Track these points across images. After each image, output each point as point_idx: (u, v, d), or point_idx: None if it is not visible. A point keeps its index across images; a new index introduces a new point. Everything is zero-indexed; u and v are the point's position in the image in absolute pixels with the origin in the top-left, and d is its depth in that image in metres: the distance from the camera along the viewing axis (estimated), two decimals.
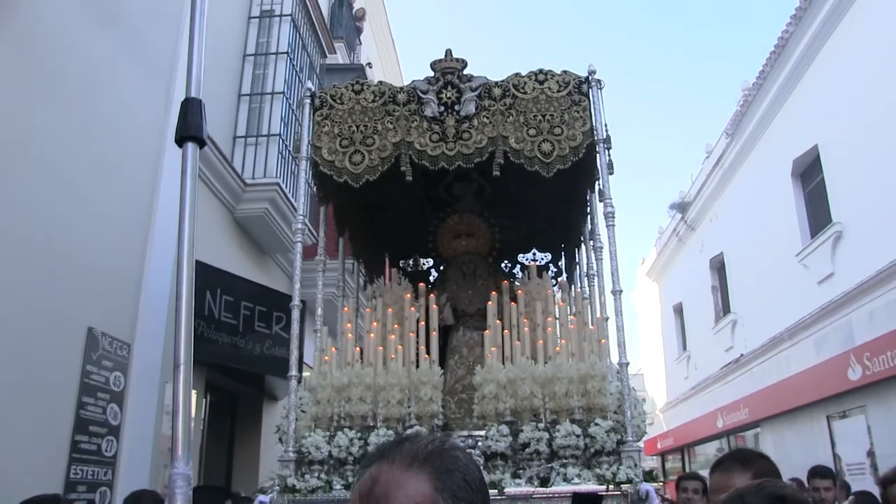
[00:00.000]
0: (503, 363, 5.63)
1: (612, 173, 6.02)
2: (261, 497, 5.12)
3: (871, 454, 10.60)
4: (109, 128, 6.38)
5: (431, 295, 6.79)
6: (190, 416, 3.09)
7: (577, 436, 5.13)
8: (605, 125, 6.08)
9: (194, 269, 1.89)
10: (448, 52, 6.44)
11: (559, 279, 7.94)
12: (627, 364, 5.51)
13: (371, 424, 5.48)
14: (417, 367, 5.69)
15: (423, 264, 8.41)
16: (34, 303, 5.22)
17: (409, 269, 8.15)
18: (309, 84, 6.66)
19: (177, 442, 1.67)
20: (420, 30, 73.12)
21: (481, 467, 4.97)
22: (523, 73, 6.26)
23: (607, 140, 6.04)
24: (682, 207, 19.85)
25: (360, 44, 15.52)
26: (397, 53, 21.12)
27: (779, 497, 1.65)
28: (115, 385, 6.16)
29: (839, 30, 11.63)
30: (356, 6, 15.06)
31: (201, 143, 2.28)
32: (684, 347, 21.24)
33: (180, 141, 2.22)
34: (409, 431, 5.34)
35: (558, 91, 6.15)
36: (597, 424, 5.17)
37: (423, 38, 76.30)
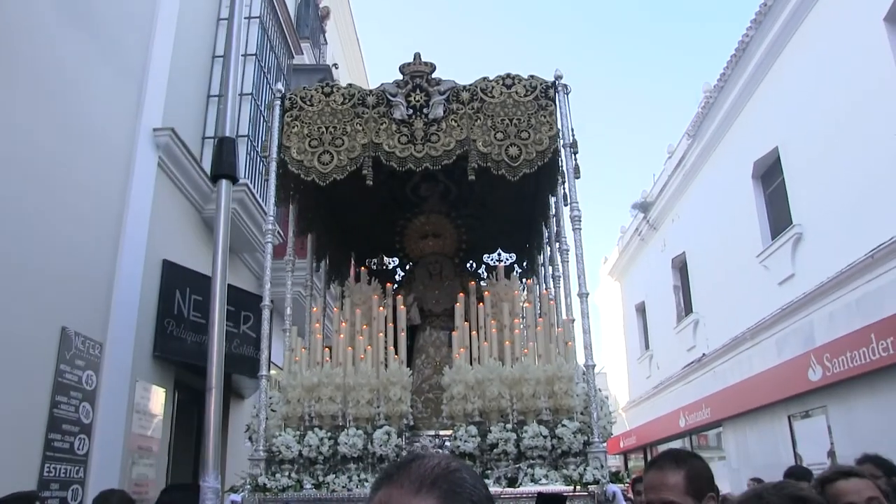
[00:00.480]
0: (471, 364, 5.69)
1: (578, 177, 6.09)
2: (232, 496, 5.14)
3: (831, 454, 10.79)
4: (81, 128, 6.34)
5: (399, 295, 6.87)
6: (219, 434, 3.14)
7: (545, 437, 5.20)
8: (572, 130, 6.15)
9: (226, 297, 1.98)
10: (417, 56, 6.49)
11: (525, 280, 8.03)
12: (594, 366, 5.60)
13: (341, 424, 5.51)
14: (386, 367, 5.73)
15: (389, 263, 8.46)
16: (8, 302, 5.20)
17: (375, 268, 8.20)
18: (278, 85, 6.67)
19: (207, 458, 1.75)
20: (385, 27, 72.97)
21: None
22: (491, 78, 6.31)
23: (573, 145, 6.12)
24: (644, 207, 20.08)
25: (326, 43, 15.52)
26: (362, 53, 21.16)
27: (799, 498, 1.72)
28: (88, 384, 6.17)
29: (798, 34, 11.86)
30: (321, 5, 15.05)
31: (234, 180, 2.46)
32: (647, 346, 21.50)
33: (214, 178, 2.45)
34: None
35: (525, 95, 6.22)
36: (564, 426, 5.24)
37: (389, 36, 76.14)
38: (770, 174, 13.35)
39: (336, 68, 15.16)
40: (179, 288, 7.65)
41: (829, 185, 10.93)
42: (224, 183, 2.36)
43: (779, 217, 12.88)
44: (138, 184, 7.07)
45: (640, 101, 70.96)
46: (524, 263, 8.48)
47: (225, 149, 2.49)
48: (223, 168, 2.46)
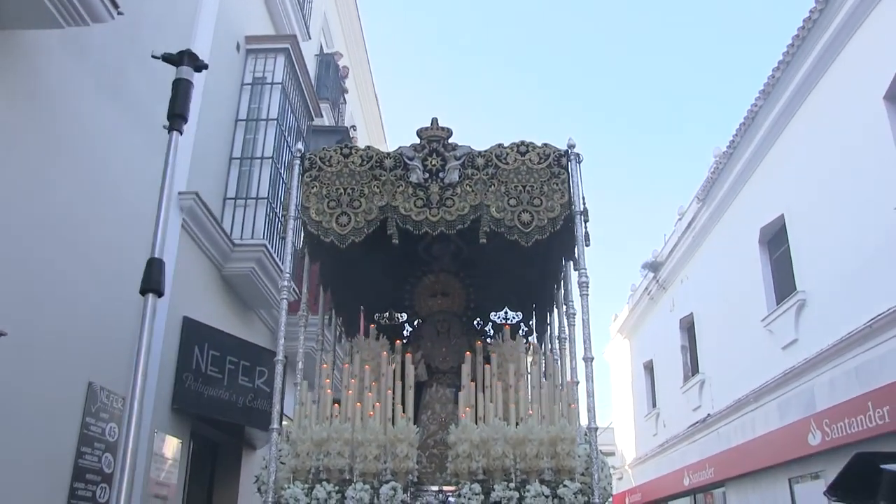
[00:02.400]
0: (476, 423, 5.82)
1: (588, 245, 6.25)
2: None
3: None
4: (110, 192, 6.68)
5: (408, 354, 6.95)
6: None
7: (546, 496, 5.33)
8: (583, 198, 6.31)
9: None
10: (434, 121, 6.70)
11: (530, 340, 8.16)
12: (596, 429, 5.73)
13: (348, 478, 5.63)
14: (394, 423, 5.87)
15: (398, 318, 8.61)
16: (40, 359, 5.47)
17: (385, 324, 8.31)
18: (298, 145, 6.86)
19: None
20: (403, 86, 74.26)
21: None
22: (506, 144, 6.51)
23: (585, 212, 6.27)
24: (654, 267, 20.27)
25: (345, 103, 15.96)
26: (380, 110, 21.69)
27: None
28: (110, 435, 6.43)
29: (804, 107, 12.21)
30: (341, 64, 15.50)
31: (160, 294, 3.00)
32: (654, 404, 21.48)
33: (143, 291, 2.97)
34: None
35: (538, 163, 6.42)
36: (565, 486, 5.37)
37: (406, 90, 77.39)
38: (776, 240, 13.57)
39: (354, 130, 15.60)
40: (198, 344, 7.93)
41: (832, 253, 11.13)
42: (151, 296, 2.95)
43: (784, 282, 13.06)
44: (164, 246, 7.34)
45: (653, 161, 71.63)
46: (530, 322, 8.57)
47: (154, 269, 3.02)
48: (151, 284, 2.97)
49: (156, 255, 3.43)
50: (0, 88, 5.19)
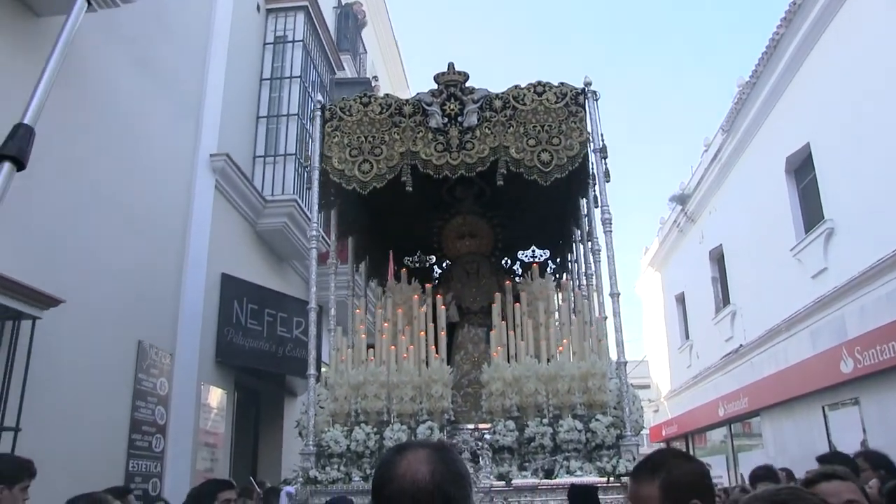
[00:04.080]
0: (508, 361, 5.96)
1: (608, 181, 6.30)
2: (287, 488, 5.50)
3: (864, 445, 10.87)
4: (147, 159, 6.94)
5: (439, 295, 7.09)
6: None
7: (579, 431, 5.48)
8: (601, 135, 6.36)
9: None
10: (451, 66, 6.72)
11: (559, 278, 8.23)
12: (625, 363, 5.85)
13: (385, 419, 5.83)
14: (427, 364, 6.02)
15: (427, 261, 8.73)
16: (92, 322, 5.80)
17: (414, 267, 8.48)
18: (318, 97, 6.95)
19: None
20: (423, 34, 73.26)
21: (490, 459, 5.37)
22: (522, 85, 6.54)
23: (603, 150, 6.32)
24: (681, 199, 20.12)
25: (365, 51, 15.90)
26: (401, 55, 21.54)
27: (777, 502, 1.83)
28: (161, 389, 6.82)
29: (828, 32, 11.88)
30: (361, 15, 15.38)
31: (20, 166, 2.08)
32: (687, 336, 21.52)
33: None
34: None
35: (556, 102, 6.44)
36: (597, 420, 5.52)
37: (426, 42, 76.28)
38: (803, 169, 13.38)
39: (376, 80, 15.57)
40: (237, 298, 8.27)
41: (860, 181, 10.97)
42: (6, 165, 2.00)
43: (811, 212, 12.92)
44: (199, 206, 7.72)
45: (679, 93, 70.39)
46: (557, 260, 8.66)
47: (20, 133, 1.91)
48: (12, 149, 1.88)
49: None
50: (38, 69, 5.29)
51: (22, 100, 5.09)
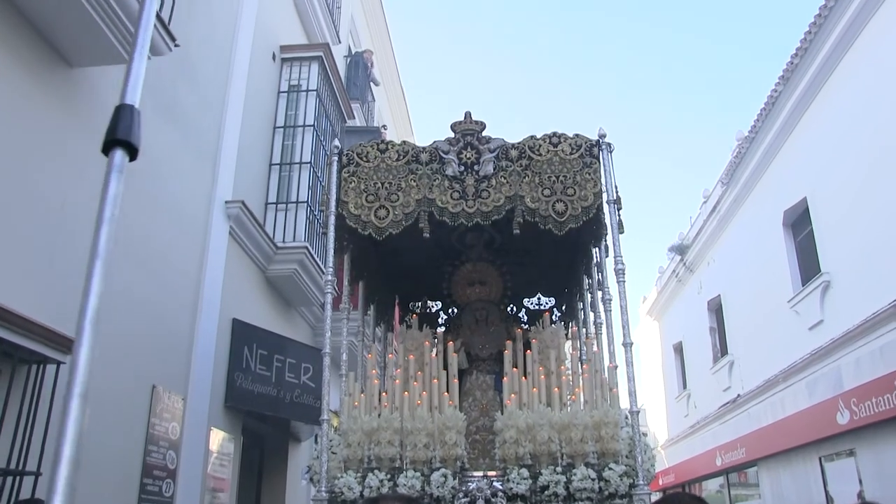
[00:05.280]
0: (520, 409, 6.00)
1: (622, 232, 6.40)
2: None
3: (860, 496, 10.93)
4: (165, 206, 7.05)
5: (450, 342, 7.11)
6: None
7: (593, 479, 5.51)
8: (616, 186, 6.46)
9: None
10: (468, 115, 6.85)
11: (570, 327, 8.28)
12: (638, 412, 5.90)
13: (398, 466, 5.84)
14: (440, 411, 6.05)
15: (432, 307, 8.79)
16: (110, 365, 5.81)
17: (419, 312, 8.51)
18: (335, 142, 7.03)
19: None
20: (428, 83, 74.27)
21: None
22: (538, 136, 6.65)
23: (617, 201, 6.43)
24: (680, 250, 20.34)
25: (374, 99, 16.18)
26: (408, 109, 22.01)
27: None
28: (173, 434, 6.81)
29: (824, 90, 12.25)
30: (370, 60, 15.70)
31: (133, 152, 1.85)
32: (684, 386, 21.59)
33: (108, 146, 1.84)
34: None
35: (571, 153, 6.55)
36: (611, 469, 5.55)
37: (432, 91, 77.23)
38: (800, 223, 13.65)
39: (385, 129, 15.84)
40: (247, 344, 8.32)
41: (855, 235, 11.21)
42: (118, 152, 1.82)
43: (808, 264, 13.15)
44: (213, 252, 7.83)
45: (680, 144, 71.30)
46: (563, 307, 8.72)
47: (123, 115, 1.82)
48: (121, 133, 1.83)
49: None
50: (73, 119, 5.58)
51: (52, 151, 5.26)
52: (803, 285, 13.15)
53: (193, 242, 7.58)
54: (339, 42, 13.44)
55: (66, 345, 4.88)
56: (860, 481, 11.01)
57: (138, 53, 1.93)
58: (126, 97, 1.91)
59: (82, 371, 1.51)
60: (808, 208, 12.99)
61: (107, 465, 5.73)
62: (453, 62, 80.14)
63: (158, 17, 5.63)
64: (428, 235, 6.33)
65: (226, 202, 8.09)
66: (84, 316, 1.59)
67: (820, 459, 12.45)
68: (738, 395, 16.37)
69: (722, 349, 18.15)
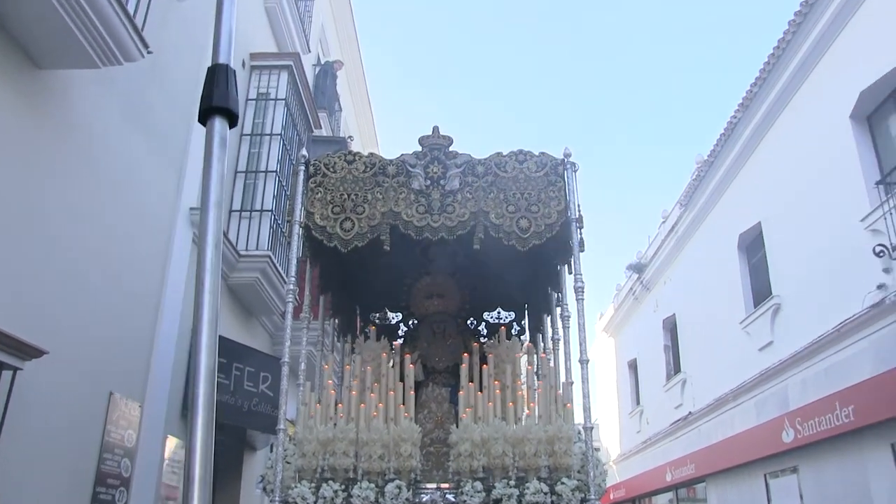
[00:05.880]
0: (476, 423, 6.06)
1: (582, 251, 6.50)
2: None
3: None
4: (131, 211, 7.02)
5: (407, 355, 7.16)
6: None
7: (545, 493, 5.60)
8: (578, 206, 6.57)
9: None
10: (435, 129, 6.90)
11: (525, 342, 8.37)
12: (592, 428, 6.01)
13: (353, 477, 5.85)
14: (396, 422, 6.08)
15: (391, 318, 8.81)
16: (66, 371, 5.75)
17: (378, 323, 8.54)
18: (303, 151, 7.01)
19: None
20: (395, 95, 74.25)
21: None
22: (504, 153, 6.75)
23: (580, 220, 6.54)
24: (638, 268, 20.63)
25: (341, 110, 16.20)
26: (374, 120, 22.05)
27: None
28: (128, 441, 6.74)
29: (779, 121, 12.67)
30: (340, 74, 15.73)
31: (233, 119, 1.79)
32: (638, 402, 21.87)
33: (204, 115, 1.78)
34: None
35: (536, 171, 6.66)
36: (563, 483, 5.64)
37: (398, 103, 77.15)
38: (754, 246, 14.00)
39: (351, 139, 15.84)
40: None
41: (804, 261, 11.59)
42: (217, 121, 1.74)
43: (760, 287, 13.50)
44: (176, 259, 7.80)
45: (641, 163, 72.22)
46: (522, 322, 8.80)
47: (219, 77, 1.75)
48: (215, 98, 1.73)
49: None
50: (41, 122, 5.55)
51: (20, 153, 5.21)
52: (755, 307, 13.48)
53: (157, 249, 7.54)
54: (309, 51, 13.46)
55: (26, 352, 4.85)
56: (801, 497, 11.35)
57: (227, 5, 1.90)
58: (220, 55, 1.85)
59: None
60: (762, 232, 13.34)
61: (59, 473, 5.67)
62: (420, 76, 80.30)
63: (132, 22, 5.63)
64: (388, 248, 6.36)
65: (190, 209, 8.06)
66: (201, 319, 1.67)
67: (765, 476, 12.76)
68: (690, 413, 16.64)
69: (675, 367, 18.44)
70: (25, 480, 5.25)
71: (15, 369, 4.78)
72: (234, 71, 1.71)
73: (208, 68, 1.79)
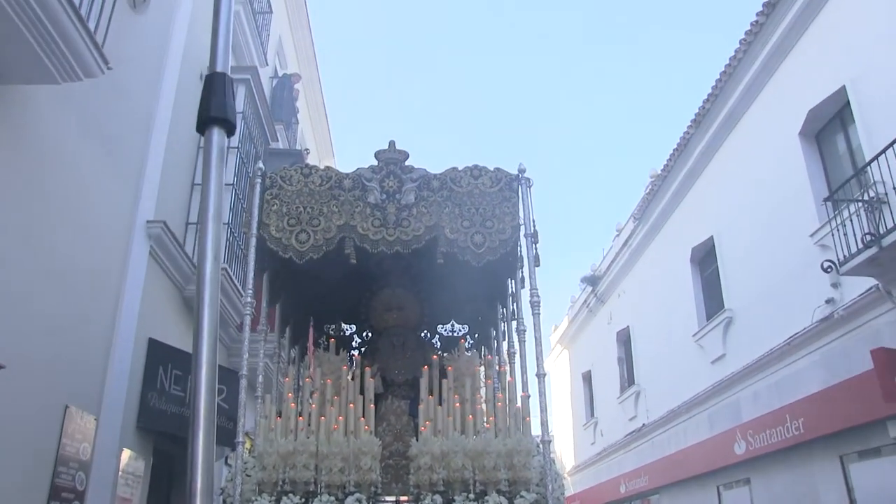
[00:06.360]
0: (436, 436, 6.10)
1: (538, 265, 6.59)
2: None
3: None
4: (88, 224, 6.96)
5: (368, 368, 7.17)
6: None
7: None
8: (533, 221, 6.65)
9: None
10: (391, 144, 6.97)
11: (486, 356, 8.43)
12: (550, 442, 6.08)
13: (313, 490, 5.84)
14: (356, 435, 6.09)
15: (346, 330, 8.81)
16: (20, 384, 5.67)
17: (332, 334, 8.50)
18: (259, 164, 7.02)
19: None
20: (352, 107, 74.15)
21: None
22: (460, 168, 6.83)
23: (535, 235, 6.61)
24: (592, 281, 20.87)
25: (297, 122, 16.18)
26: (330, 133, 22.05)
27: None
28: (83, 455, 6.66)
29: (731, 138, 13.02)
30: (298, 88, 15.72)
31: (231, 129, 1.84)
32: (592, 414, 22.06)
33: (202, 126, 1.82)
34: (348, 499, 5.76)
35: (491, 187, 6.75)
36: (522, 496, 5.70)
37: (354, 115, 77.04)
38: (706, 260, 14.31)
39: (308, 153, 15.83)
40: (162, 364, 8.22)
41: (755, 275, 11.88)
42: (215, 132, 1.80)
43: (713, 300, 13.78)
44: (132, 272, 7.75)
45: (596, 174, 73.11)
46: (476, 336, 8.89)
47: (216, 87, 1.80)
48: (214, 109, 1.79)
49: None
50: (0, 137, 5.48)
51: None
52: (707, 320, 13.74)
53: (113, 262, 7.49)
54: (267, 64, 13.46)
55: None
56: None
57: (224, 15, 1.94)
58: (217, 64, 1.88)
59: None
60: (714, 246, 13.62)
61: (12, 487, 5.57)
62: (376, 90, 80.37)
63: (92, 38, 5.60)
64: (354, 261, 6.41)
65: (147, 222, 8.02)
66: (201, 332, 1.78)
67: (718, 488, 12.98)
68: (644, 425, 16.86)
69: (629, 379, 18.66)
70: None
71: None
72: (232, 80, 1.76)
73: (206, 77, 1.82)
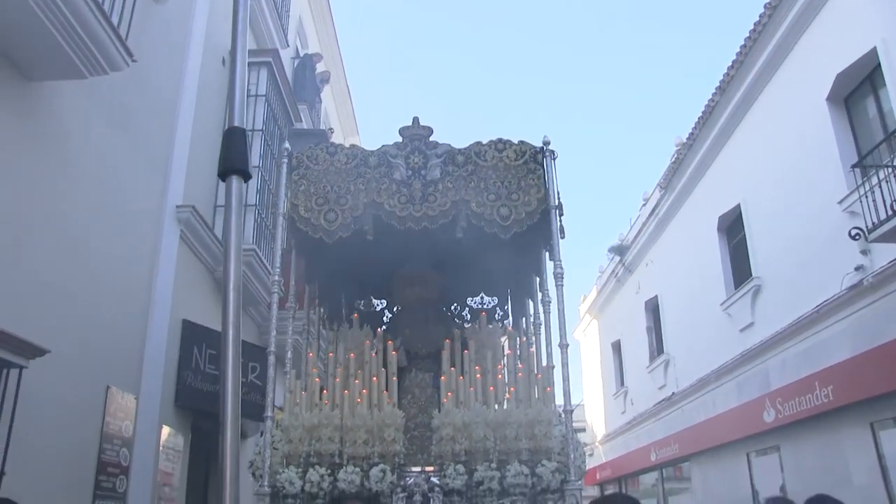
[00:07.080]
0: (457, 407, 6.20)
1: (563, 237, 6.63)
2: None
3: (782, 490, 11.48)
4: (118, 212, 7.19)
5: (390, 342, 7.27)
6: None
7: (526, 475, 5.75)
8: (558, 193, 6.69)
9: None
10: (416, 120, 7.02)
11: (507, 326, 8.48)
12: (572, 411, 6.15)
13: (338, 462, 5.99)
14: (380, 408, 6.21)
15: (376, 305, 8.91)
16: (64, 368, 5.95)
17: (363, 311, 8.62)
18: (286, 144, 7.09)
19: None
20: (375, 83, 74.01)
21: (441, 502, 5.59)
22: (484, 142, 6.87)
23: (559, 207, 6.66)
24: (620, 251, 20.78)
25: (321, 101, 16.23)
26: (354, 110, 22.07)
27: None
28: (126, 432, 7.00)
29: (757, 104, 12.77)
30: (320, 68, 15.75)
31: (246, 176, 2.19)
32: (622, 383, 22.08)
33: (222, 175, 2.16)
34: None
35: (515, 160, 6.79)
36: (543, 465, 5.79)
37: (379, 92, 76.92)
38: (733, 228, 14.15)
39: (332, 132, 15.87)
40: (197, 344, 8.49)
41: (785, 242, 11.72)
42: (234, 180, 2.14)
43: (741, 268, 13.65)
44: (164, 256, 8.00)
45: (623, 143, 72.46)
46: (505, 307, 8.91)
47: (234, 140, 2.14)
48: (233, 161, 2.13)
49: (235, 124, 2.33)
50: (26, 131, 5.68)
51: (14, 163, 5.41)
52: (735, 289, 13.64)
53: (145, 247, 7.72)
54: (288, 45, 13.51)
55: (30, 351, 5.02)
56: (782, 475, 11.57)
57: (239, 75, 2.22)
58: (234, 119, 2.21)
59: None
60: (741, 214, 13.47)
61: (63, 464, 5.89)
62: (399, 67, 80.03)
63: (116, 33, 5.72)
64: (371, 238, 6.48)
65: (177, 207, 8.24)
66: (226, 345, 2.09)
67: (747, 455, 12.96)
68: (673, 394, 16.85)
69: (658, 348, 18.62)
70: (34, 472, 5.46)
71: (21, 367, 4.96)
72: (248, 133, 2.05)
73: (224, 132, 2.12)
